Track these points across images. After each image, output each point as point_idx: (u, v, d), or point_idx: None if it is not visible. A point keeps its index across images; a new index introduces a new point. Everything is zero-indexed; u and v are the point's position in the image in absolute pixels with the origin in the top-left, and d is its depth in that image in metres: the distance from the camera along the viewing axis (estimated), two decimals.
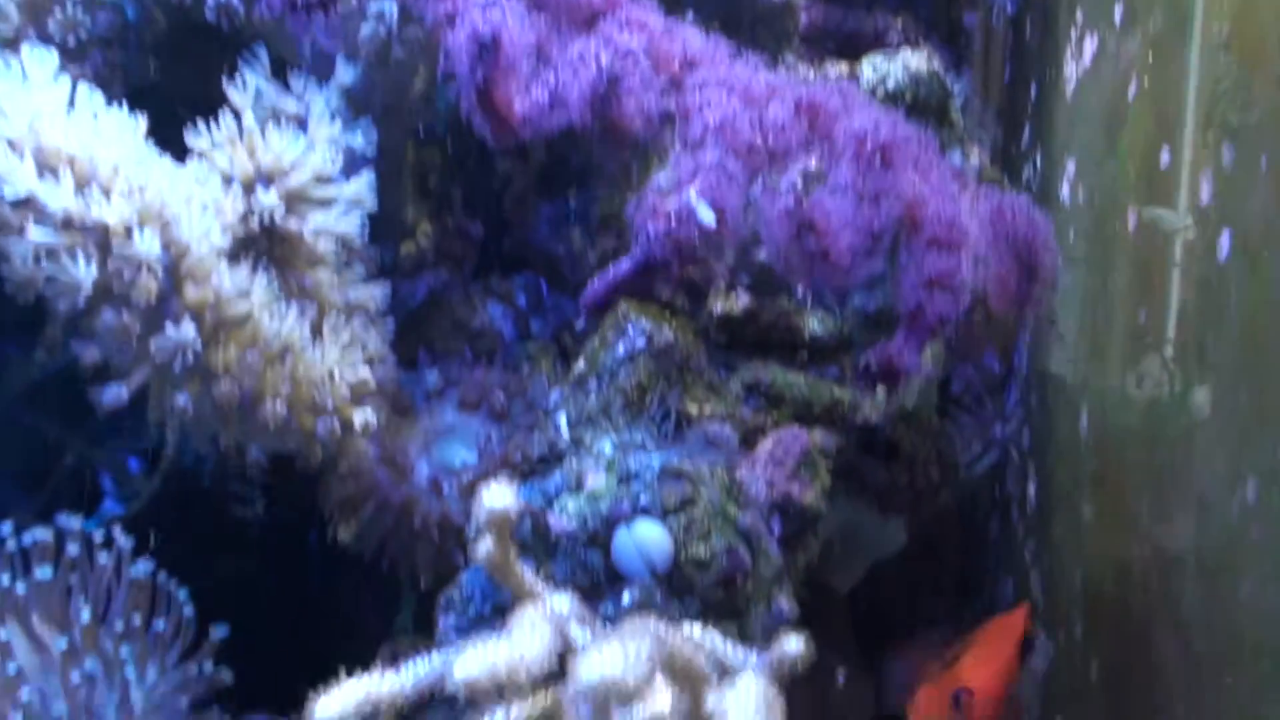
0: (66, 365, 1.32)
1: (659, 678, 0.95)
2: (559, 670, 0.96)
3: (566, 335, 1.25)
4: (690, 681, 0.86)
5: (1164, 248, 0.94)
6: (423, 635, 1.27)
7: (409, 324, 1.18)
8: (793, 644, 0.94)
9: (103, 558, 1.11)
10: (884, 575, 1.37)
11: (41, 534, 1.10)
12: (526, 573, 0.96)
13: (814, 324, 1.19)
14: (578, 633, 0.90)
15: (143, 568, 1.11)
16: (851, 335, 1.19)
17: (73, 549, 1.09)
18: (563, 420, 1.15)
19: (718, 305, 1.19)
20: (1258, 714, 0.81)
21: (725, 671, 0.91)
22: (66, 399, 1.34)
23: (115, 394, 0.91)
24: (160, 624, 1.09)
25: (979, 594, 1.29)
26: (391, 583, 1.31)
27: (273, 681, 1.30)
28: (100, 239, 0.88)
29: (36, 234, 0.88)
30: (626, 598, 1.00)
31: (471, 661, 0.78)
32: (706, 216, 0.86)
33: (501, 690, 0.82)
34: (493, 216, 1.27)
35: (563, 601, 0.93)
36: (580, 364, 1.19)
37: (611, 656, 0.75)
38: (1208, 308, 0.88)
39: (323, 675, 1.36)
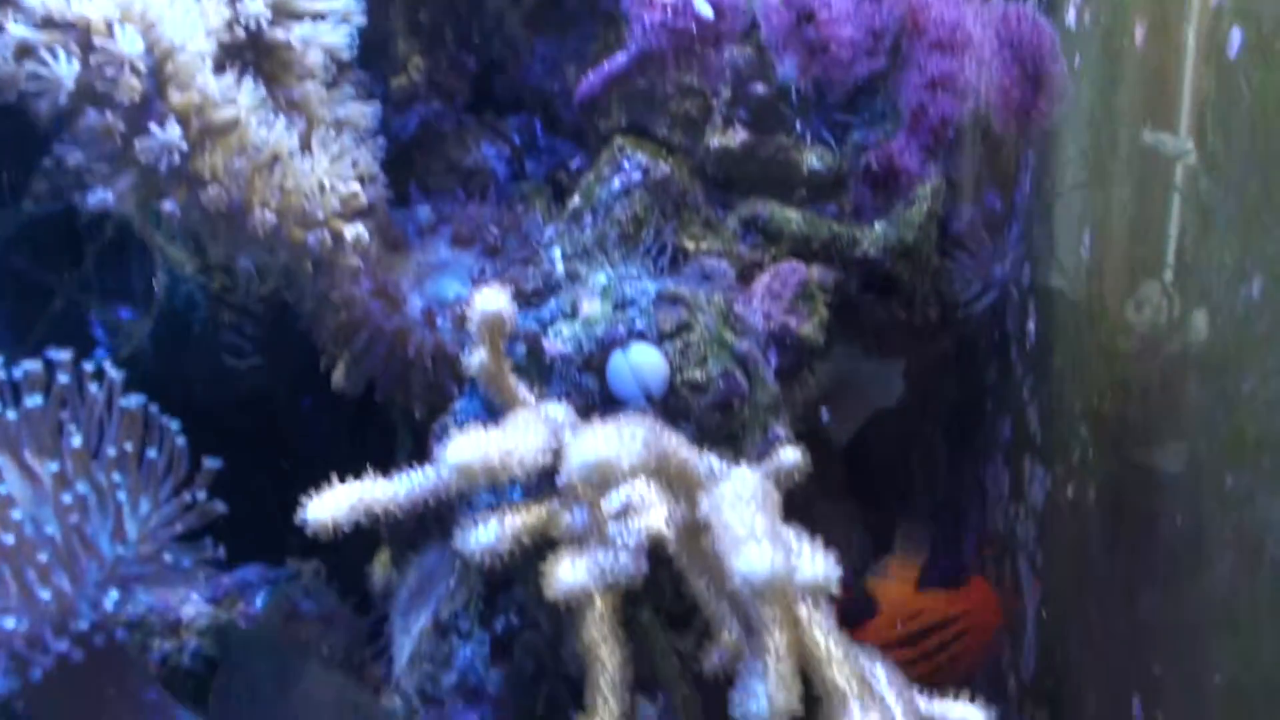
0: (56, 213, 1.31)
1: (653, 490, 0.95)
2: (552, 481, 0.96)
3: (561, 174, 1.23)
4: (685, 485, 0.85)
5: (1174, 55, 0.92)
6: None
7: (400, 159, 1.16)
8: (789, 454, 0.93)
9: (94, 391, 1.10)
10: (881, 428, 1.36)
11: (32, 365, 1.09)
12: (521, 386, 0.96)
13: (813, 160, 1.16)
14: (571, 439, 0.88)
15: (134, 400, 1.10)
16: (851, 172, 1.17)
17: (63, 378, 1.08)
18: (557, 254, 1.14)
19: (714, 140, 1.16)
20: (1256, 511, 0.80)
21: None
22: (56, 246, 1.33)
23: (100, 198, 0.90)
24: (153, 453, 1.09)
25: (974, 440, 1.29)
26: (387, 429, 1.31)
27: (266, 530, 1.31)
28: (81, 36, 0.86)
29: (16, 30, 0.86)
30: None
31: (464, 445, 0.77)
32: (704, 9, 0.84)
33: (495, 483, 0.81)
34: (485, 56, 1.25)
35: (558, 409, 0.92)
36: (575, 199, 1.18)
37: (605, 438, 0.74)
38: (1217, 106, 0.86)
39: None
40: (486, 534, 0.88)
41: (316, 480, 1.44)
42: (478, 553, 0.88)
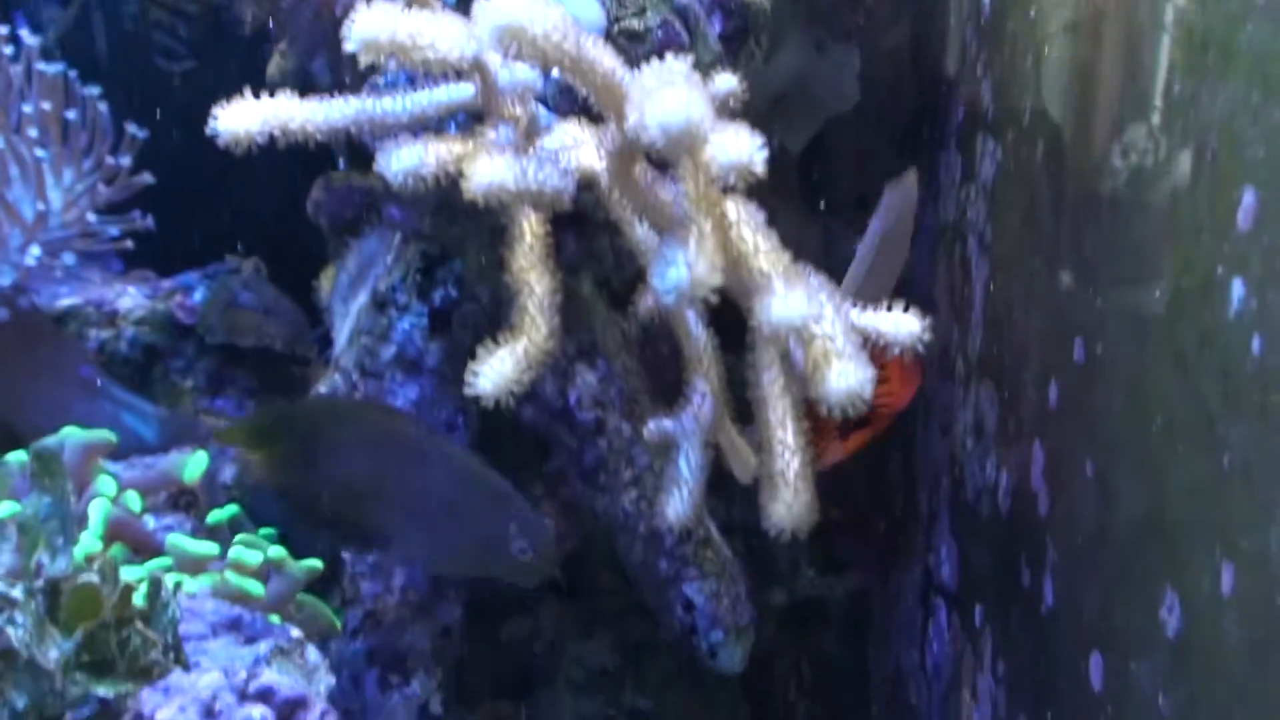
0: None
1: (585, 130, 0.92)
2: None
3: None
4: (612, 101, 0.80)
5: None
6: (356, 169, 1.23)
7: None
8: (724, 80, 0.88)
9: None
10: (836, 134, 1.33)
11: None
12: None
13: None
14: (495, 56, 0.84)
15: (54, 67, 1.06)
16: None
17: None
18: None
19: None
20: (1199, 113, 0.77)
21: None
22: None
23: None
24: (72, 115, 1.05)
25: (926, 148, 1.26)
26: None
27: (204, 244, 1.28)
28: None
29: None
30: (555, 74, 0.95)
31: (371, 17, 0.73)
32: None
33: (405, 67, 0.78)
34: None
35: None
36: None
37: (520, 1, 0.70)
38: None
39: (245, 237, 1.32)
40: (410, 156, 0.84)
41: (250, 188, 1.40)
42: (400, 175, 0.84)
